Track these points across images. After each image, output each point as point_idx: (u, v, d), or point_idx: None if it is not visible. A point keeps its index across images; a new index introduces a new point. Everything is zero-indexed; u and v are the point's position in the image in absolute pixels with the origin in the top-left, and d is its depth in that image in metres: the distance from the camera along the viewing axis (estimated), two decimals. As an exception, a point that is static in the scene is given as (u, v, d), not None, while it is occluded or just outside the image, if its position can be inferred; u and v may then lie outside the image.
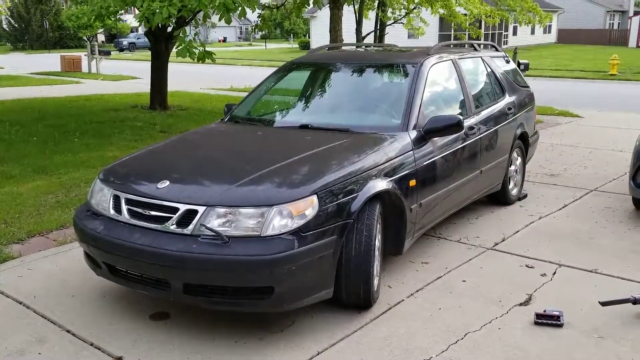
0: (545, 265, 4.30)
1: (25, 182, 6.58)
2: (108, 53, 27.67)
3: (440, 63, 4.83)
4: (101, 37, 52.56)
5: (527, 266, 4.30)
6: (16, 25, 50.91)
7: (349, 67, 4.97)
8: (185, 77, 20.97)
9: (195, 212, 3.14)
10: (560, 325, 3.40)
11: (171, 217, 3.19)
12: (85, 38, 27.62)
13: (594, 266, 4.28)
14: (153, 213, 3.27)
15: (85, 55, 25.14)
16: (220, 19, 6.59)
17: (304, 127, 4.27)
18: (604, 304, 3.52)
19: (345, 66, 5.00)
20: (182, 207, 3.18)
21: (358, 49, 6.87)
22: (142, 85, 17.82)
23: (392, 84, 4.74)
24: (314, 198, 3.20)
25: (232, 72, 26.12)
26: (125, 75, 23.03)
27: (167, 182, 3.37)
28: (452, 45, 5.66)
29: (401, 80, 4.60)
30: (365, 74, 4.88)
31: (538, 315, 3.45)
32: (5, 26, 52.38)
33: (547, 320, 3.42)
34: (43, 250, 4.64)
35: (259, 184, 3.30)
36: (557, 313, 3.44)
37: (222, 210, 3.12)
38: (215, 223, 3.11)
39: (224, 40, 66.92)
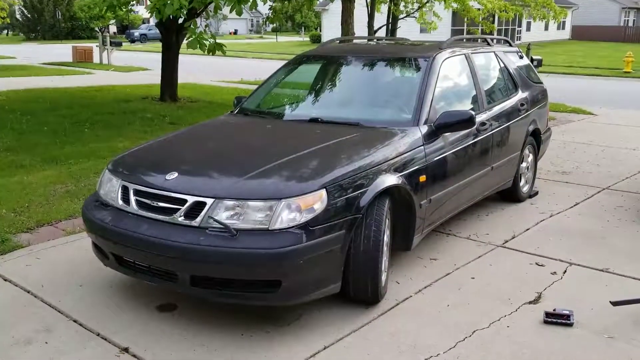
0: (556, 264, 4.25)
1: (36, 172, 6.60)
2: (119, 44, 27.71)
3: (452, 57, 4.78)
4: (113, 29, 52.69)
5: (537, 264, 4.25)
6: (29, 15, 51.23)
7: (360, 61, 4.92)
8: (195, 69, 20.99)
9: (204, 204, 3.13)
10: (570, 325, 3.35)
11: (179, 209, 3.18)
12: (97, 29, 27.64)
13: (605, 265, 4.22)
14: (161, 204, 3.25)
15: (96, 46, 25.22)
16: (231, 11, 6.56)
17: (313, 120, 4.24)
18: (615, 303, 3.47)
19: (356, 60, 4.96)
20: (191, 199, 3.16)
21: (369, 43, 6.80)
22: (153, 76, 17.81)
23: (403, 78, 4.69)
24: (323, 192, 3.17)
25: (243, 64, 26.12)
26: (136, 66, 23.07)
27: (176, 174, 3.35)
28: (465, 40, 5.60)
29: (413, 75, 4.56)
30: (376, 67, 4.83)
31: (548, 314, 3.41)
32: (18, 16, 52.67)
33: (557, 319, 3.38)
34: (52, 240, 4.66)
35: (268, 177, 3.27)
36: (567, 312, 3.40)
37: (230, 202, 3.10)
38: (223, 215, 3.09)
39: (235, 32, 66.94)
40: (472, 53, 5.09)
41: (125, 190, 3.46)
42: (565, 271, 4.13)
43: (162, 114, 10.80)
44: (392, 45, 5.81)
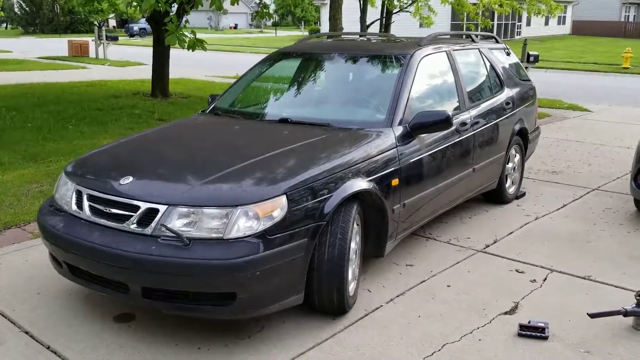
0: (536, 271, 4.08)
1: (13, 170, 6.45)
2: (115, 38, 27.25)
3: (432, 55, 4.59)
4: (112, 22, 52.37)
5: (517, 271, 4.09)
6: (27, 9, 50.90)
7: (336, 58, 4.74)
8: (191, 63, 20.78)
9: (157, 211, 2.96)
10: (545, 338, 3.19)
11: (132, 216, 3.01)
12: (95, 23, 27.29)
13: (588, 272, 4.05)
14: (114, 211, 3.09)
15: (92, 40, 24.99)
16: (211, 6, 6.38)
17: (283, 121, 4.06)
18: (592, 315, 3.30)
19: (333, 57, 4.78)
20: (143, 206, 3.00)
21: (350, 39, 6.60)
22: (148, 71, 17.59)
23: (379, 77, 4.50)
24: (283, 199, 3.00)
25: (240, 59, 25.88)
26: (132, 61, 22.85)
27: (131, 178, 3.18)
28: (448, 36, 5.41)
29: (389, 73, 4.37)
30: (352, 65, 4.65)
31: (522, 327, 3.24)
32: (16, 9, 52.40)
33: (532, 332, 3.21)
34: (16, 243, 4.50)
35: (226, 182, 3.11)
36: (542, 325, 3.23)
37: (184, 209, 2.94)
38: (176, 223, 2.92)
39: (235, 27, 66.58)
40: (454, 50, 4.90)
41: (79, 194, 3.29)
42: (545, 279, 3.96)
43: (151, 110, 10.63)
44: (373, 42, 5.62)
